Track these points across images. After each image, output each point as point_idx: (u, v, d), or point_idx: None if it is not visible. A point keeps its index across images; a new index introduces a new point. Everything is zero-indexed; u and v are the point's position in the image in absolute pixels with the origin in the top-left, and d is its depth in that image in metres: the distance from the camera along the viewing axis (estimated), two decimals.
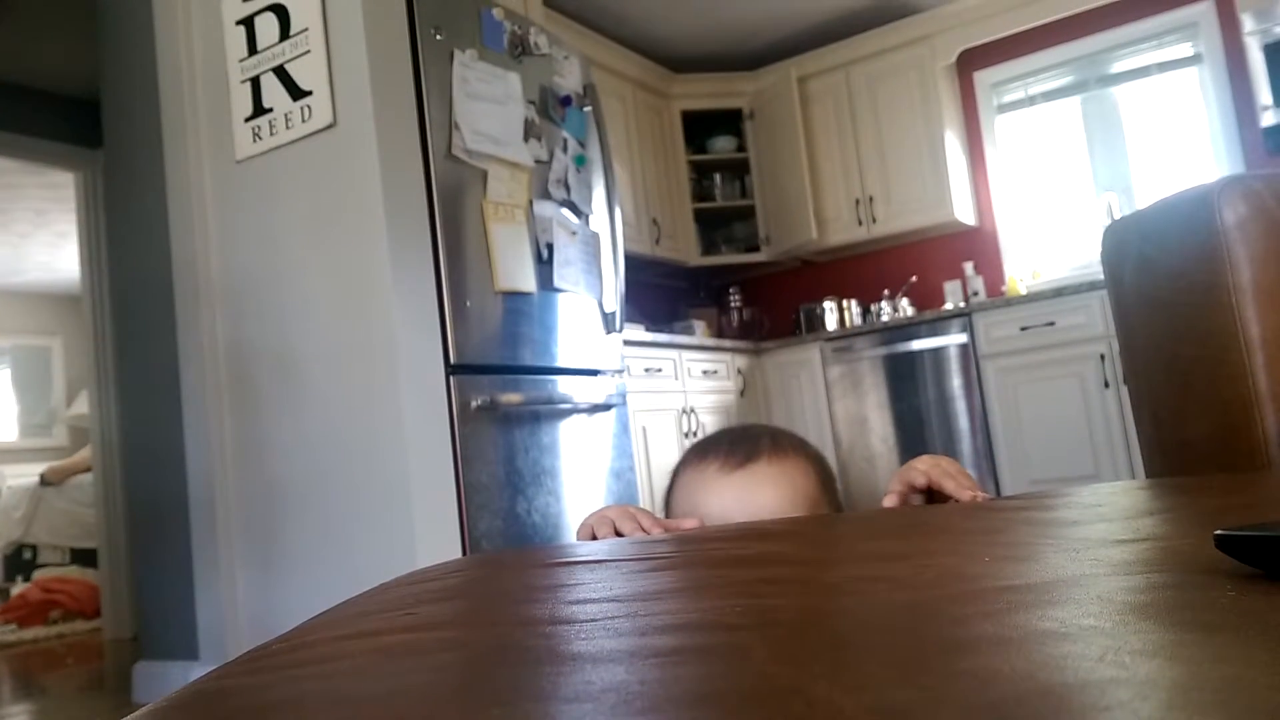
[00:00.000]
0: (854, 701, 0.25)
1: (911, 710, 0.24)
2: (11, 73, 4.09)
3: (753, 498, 0.92)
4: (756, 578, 0.52)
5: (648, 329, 4.13)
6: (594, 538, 0.86)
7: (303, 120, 2.36)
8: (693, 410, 3.94)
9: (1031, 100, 4.75)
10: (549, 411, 2.66)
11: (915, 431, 4.29)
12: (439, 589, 0.55)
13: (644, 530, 0.84)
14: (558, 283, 2.74)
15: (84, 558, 5.20)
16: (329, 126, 2.33)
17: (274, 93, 2.41)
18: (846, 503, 1.11)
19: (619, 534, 0.85)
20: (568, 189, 2.85)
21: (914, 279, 4.88)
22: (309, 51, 2.35)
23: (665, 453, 3.69)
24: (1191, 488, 0.87)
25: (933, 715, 0.23)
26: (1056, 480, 3.91)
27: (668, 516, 0.99)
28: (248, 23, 2.47)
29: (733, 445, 0.98)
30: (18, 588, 5.10)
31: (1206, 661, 0.27)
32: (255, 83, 2.45)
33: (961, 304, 4.49)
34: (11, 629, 4.47)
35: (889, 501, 0.84)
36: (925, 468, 0.85)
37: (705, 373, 4.14)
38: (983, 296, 4.57)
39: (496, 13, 2.70)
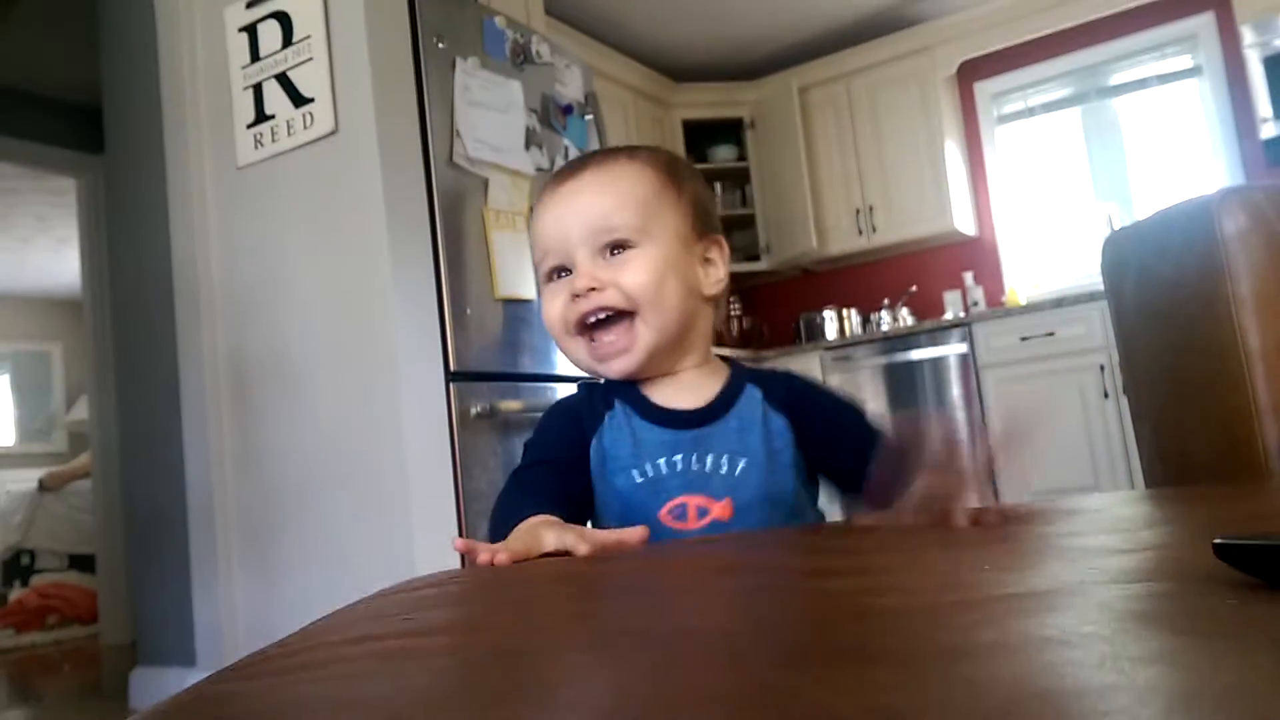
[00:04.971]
0: (852, 706, 0.25)
1: (910, 715, 0.24)
2: (13, 78, 4.10)
3: (575, 204, 0.92)
4: (754, 584, 0.52)
5: None
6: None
7: (304, 127, 2.37)
8: None
9: (1032, 111, 4.76)
10: None
11: None
12: (437, 595, 0.55)
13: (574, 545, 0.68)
14: None
15: (82, 563, 5.19)
16: (331, 133, 2.34)
17: (276, 99, 2.42)
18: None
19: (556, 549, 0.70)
20: None
21: (914, 288, 4.88)
22: (311, 59, 2.36)
23: None
24: (1191, 498, 0.87)
25: None
26: (1056, 491, 3.91)
27: (537, 261, 0.97)
28: (250, 30, 2.47)
29: (569, 164, 0.99)
30: (15, 593, 5.08)
31: (1206, 669, 0.27)
32: (257, 89, 2.46)
33: (961, 314, 4.49)
34: (9, 634, 4.46)
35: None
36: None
37: None
38: (982, 306, 4.57)
39: (499, 21, 2.71)
